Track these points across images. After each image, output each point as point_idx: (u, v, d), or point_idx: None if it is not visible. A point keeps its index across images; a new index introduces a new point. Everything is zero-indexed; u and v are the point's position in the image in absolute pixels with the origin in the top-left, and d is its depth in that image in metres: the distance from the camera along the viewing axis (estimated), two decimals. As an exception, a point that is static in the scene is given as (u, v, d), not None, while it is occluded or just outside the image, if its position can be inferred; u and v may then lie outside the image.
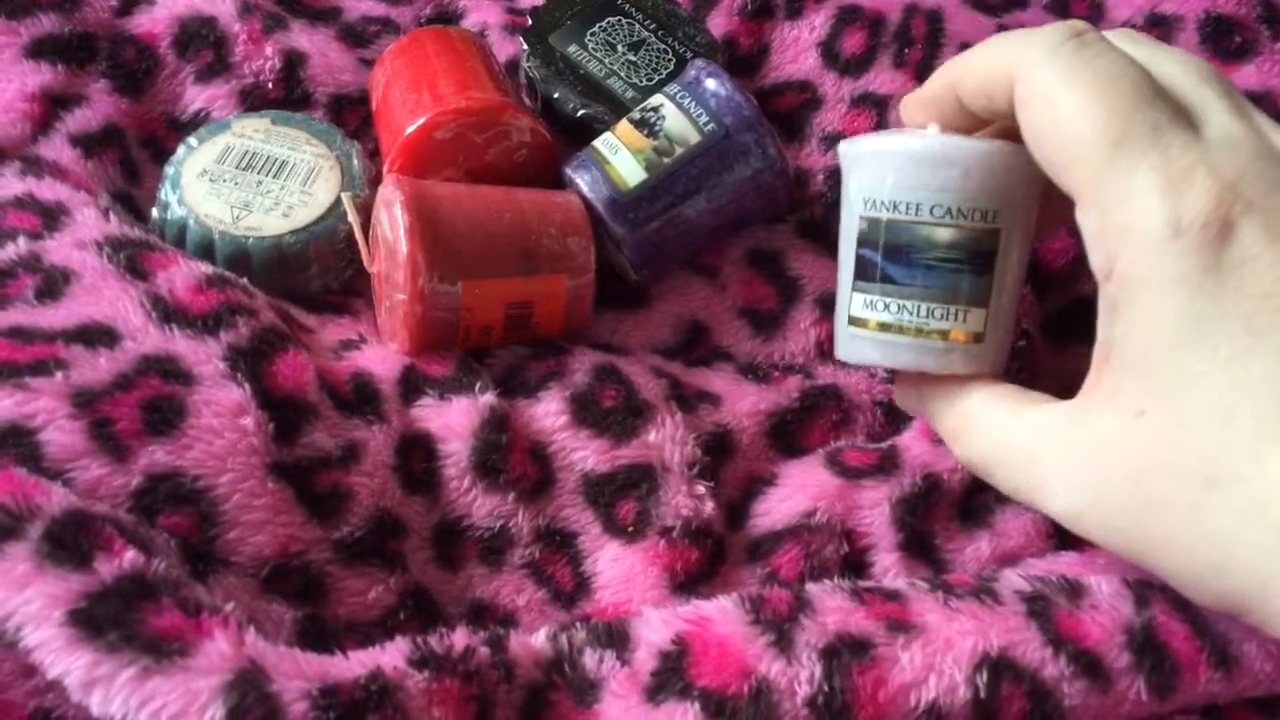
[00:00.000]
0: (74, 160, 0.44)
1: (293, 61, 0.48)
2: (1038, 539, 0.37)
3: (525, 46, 0.48)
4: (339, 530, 0.35)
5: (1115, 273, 0.29)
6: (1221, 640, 0.31)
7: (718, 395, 0.41)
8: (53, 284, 0.36)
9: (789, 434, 0.41)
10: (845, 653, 0.30)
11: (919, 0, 0.50)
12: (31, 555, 0.27)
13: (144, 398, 0.33)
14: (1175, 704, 0.31)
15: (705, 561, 0.37)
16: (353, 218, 0.42)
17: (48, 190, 0.41)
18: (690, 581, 0.36)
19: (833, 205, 0.46)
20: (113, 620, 0.26)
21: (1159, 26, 0.51)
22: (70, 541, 0.28)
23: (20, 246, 0.38)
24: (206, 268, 0.39)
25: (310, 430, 0.35)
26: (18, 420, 0.31)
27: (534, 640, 0.31)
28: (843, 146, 0.35)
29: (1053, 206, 0.33)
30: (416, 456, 0.37)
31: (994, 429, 0.32)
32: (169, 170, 0.43)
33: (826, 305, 0.44)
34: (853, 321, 0.34)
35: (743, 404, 0.40)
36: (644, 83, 0.47)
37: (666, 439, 0.38)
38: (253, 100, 0.48)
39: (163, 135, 0.47)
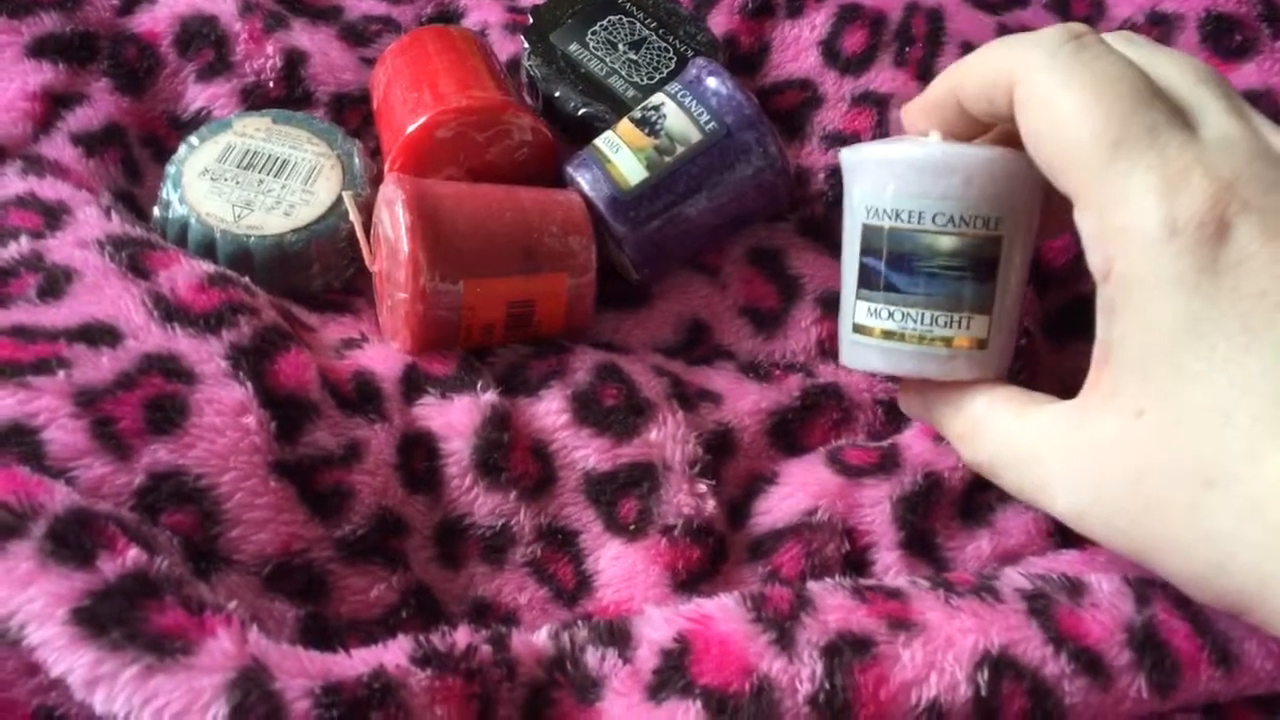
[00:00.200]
0: (75, 159, 0.44)
1: (294, 60, 0.48)
2: (1038, 537, 0.37)
3: (526, 45, 0.48)
4: (341, 529, 0.35)
5: (1113, 274, 0.29)
6: (1222, 638, 0.31)
7: (719, 394, 0.41)
8: (55, 283, 0.36)
9: (790, 432, 0.41)
10: (846, 651, 0.30)
11: (920, -1, 0.51)
12: (34, 554, 0.27)
13: (146, 396, 0.33)
14: (1176, 702, 0.31)
15: (707, 560, 0.37)
16: (354, 216, 0.42)
17: (49, 189, 0.41)
18: (692, 580, 0.36)
19: (833, 204, 0.46)
20: (116, 618, 0.26)
21: (1159, 25, 0.51)
22: (73, 540, 0.28)
23: (22, 245, 0.38)
24: (208, 266, 0.39)
25: (312, 429, 0.35)
26: (20, 419, 0.31)
27: (536, 638, 0.31)
28: (844, 154, 0.35)
29: (1054, 210, 0.33)
30: (418, 455, 0.37)
31: (999, 431, 0.33)
32: (170, 169, 0.43)
33: (827, 304, 0.44)
34: (857, 329, 0.34)
35: (744, 403, 0.40)
36: (645, 81, 0.47)
37: (668, 437, 0.38)
38: (254, 99, 0.48)
39: (164, 134, 0.47)
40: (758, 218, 0.45)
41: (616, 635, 0.31)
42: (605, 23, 0.48)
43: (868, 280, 0.34)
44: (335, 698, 0.27)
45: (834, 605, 0.32)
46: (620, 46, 0.48)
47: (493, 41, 0.51)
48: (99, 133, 0.45)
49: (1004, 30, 0.52)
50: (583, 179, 0.42)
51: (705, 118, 0.42)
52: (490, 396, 0.38)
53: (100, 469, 0.32)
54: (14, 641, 0.26)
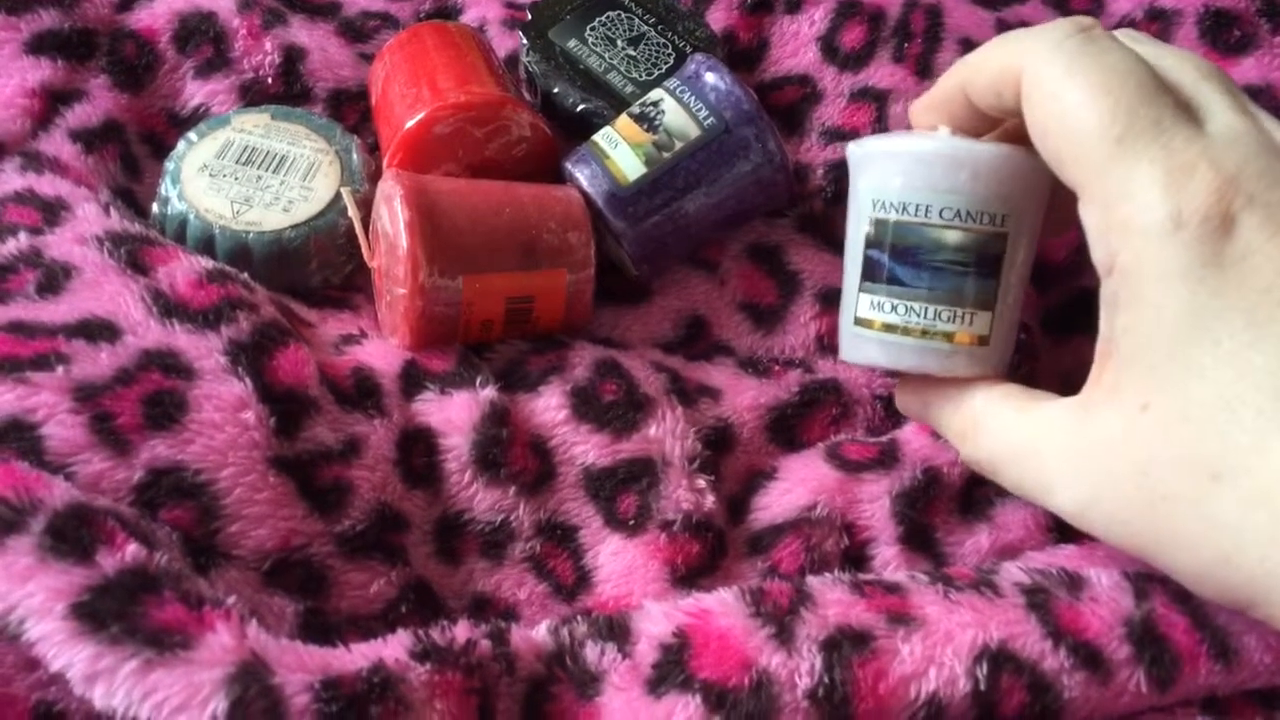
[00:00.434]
0: (74, 156, 0.44)
1: (292, 56, 0.48)
2: (1037, 532, 0.37)
3: (525, 41, 0.48)
4: (340, 524, 0.35)
5: (1117, 267, 0.29)
6: (1221, 632, 0.31)
7: (718, 389, 0.41)
8: (53, 279, 0.36)
9: (789, 428, 0.41)
10: (846, 645, 0.30)
11: (919, -6, 0.51)
12: (34, 549, 0.27)
13: (145, 392, 0.33)
14: (1175, 696, 0.31)
15: (706, 555, 0.37)
16: (353, 213, 0.42)
17: (48, 186, 0.41)
18: (691, 575, 0.36)
19: (832, 200, 0.46)
20: (115, 613, 0.26)
21: (1158, 20, 0.51)
22: (72, 535, 0.28)
23: (21, 242, 0.38)
24: (207, 262, 0.39)
25: (311, 424, 0.35)
26: (19, 415, 0.31)
27: (535, 633, 0.31)
28: (851, 147, 0.35)
29: (1059, 210, 0.33)
30: (417, 451, 0.37)
31: (1000, 429, 0.33)
32: (169, 165, 0.43)
33: (826, 299, 0.44)
34: (858, 322, 0.34)
35: (743, 398, 0.40)
36: (643, 77, 0.47)
37: (667, 433, 0.38)
38: (252, 95, 0.48)
39: (163, 131, 0.47)
40: (757, 213, 0.45)
41: (616, 630, 0.31)
42: (604, 18, 0.48)
43: (871, 273, 0.34)
44: (334, 692, 0.27)
45: (833, 600, 0.32)
46: (619, 42, 0.48)
47: (491, 37, 0.51)
48: (98, 129, 0.45)
49: (1003, 25, 0.52)
50: (581, 175, 0.42)
51: (704, 113, 0.42)
52: (489, 392, 0.38)
53: (99, 464, 0.32)
54: (13, 637, 0.26)
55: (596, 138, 0.43)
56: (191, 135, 0.44)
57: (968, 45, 0.50)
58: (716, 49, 0.48)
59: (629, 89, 0.46)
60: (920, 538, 0.37)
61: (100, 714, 0.26)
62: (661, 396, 0.39)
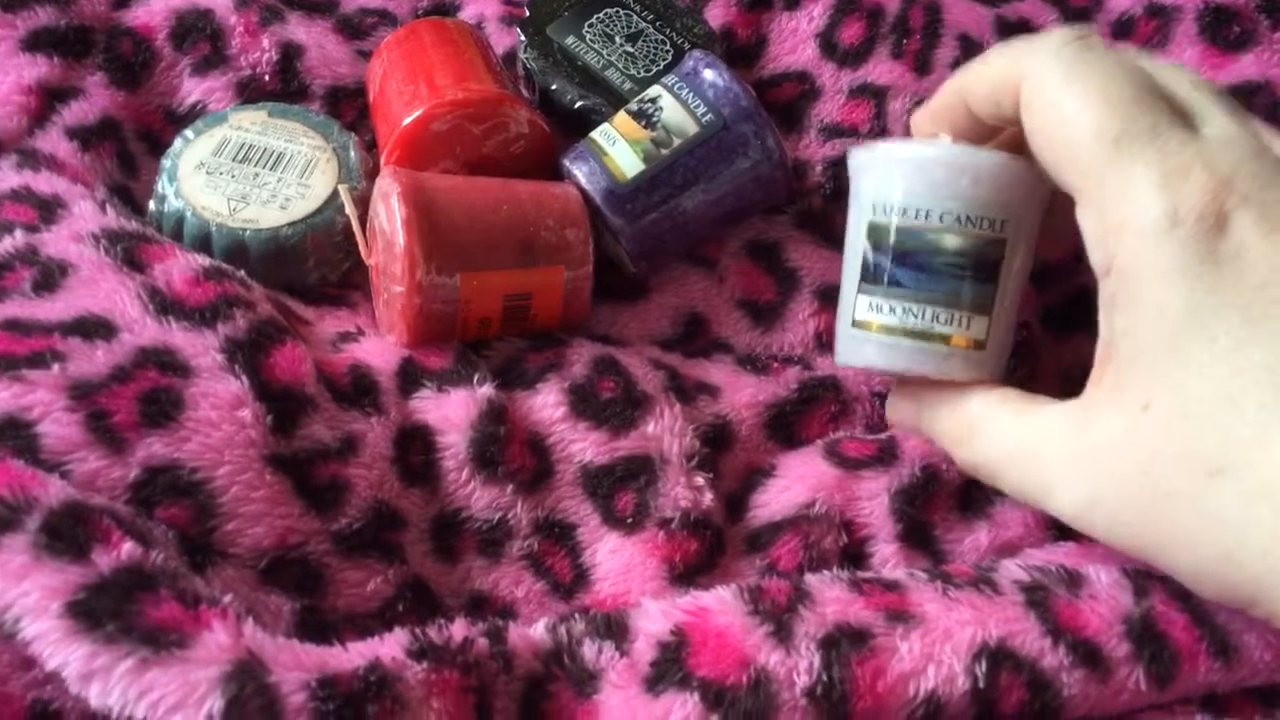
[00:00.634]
0: (71, 153, 0.44)
1: (290, 54, 0.48)
2: (1036, 529, 0.37)
3: (523, 38, 0.48)
4: (337, 522, 0.35)
5: (1114, 268, 0.29)
6: (1221, 630, 0.31)
7: (716, 387, 0.40)
8: (50, 277, 0.36)
9: (788, 425, 0.41)
10: (844, 643, 0.30)
11: (917, -9, 0.50)
12: (29, 547, 0.27)
13: (141, 390, 0.33)
14: (1174, 693, 0.31)
15: (704, 553, 0.37)
16: (350, 210, 0.42)
17: (44, 183, 0.41)
18: (689, 573, 0.36)
19: (831, 197, 0.46)
20: (111, 612, 0.26)
21: (1158, 16, 0.50)
22: (68, 533, 0.28)
23: (17, 239, 0.38)
24: (204, 260, 0.39)
25: (308, 422, 0.35)
26: (15, 412, 0.31)
27: (533, 632, 0.31)
28: (854, 152, 0.36)
29: (1059, 220, 0.33)
30: (415, 448, 0.37)
31: (997, 432, 0.33)
32: (166, 163, 0.43)
33: (825, 297, 0.44)
34: (856, 324, 0.35)
35: (741, 395, 0.40)
36: (642, 74, 0.47)
37: (665, 430, 0.38)
38: (250, 93, 0.48)
39: (160, 128, 0.47)
40: (755, 210, 0.45)
41: (614, 628, 0.31)
42: (602, 15, 0.48)
43: (871, 276, 0.34)
44: (331, 691, 0.27)
45: (832, 597, 0.32)
46: (617, 39, 0.48)
47: (489, 34, 0.51)
48: (94, 127, 0.45)
49: (1002, 22, 0.51)
50: (579, 172, 0.42)
51: (702, 110, 0.42)
52: (487, 390, 0.37)
53: (95, 462, 0.32)
54: (9, 635, 0.26)
55: (594, 135, 0.43)
56: (188, 132, 0.44)
57: (966, 41, 0.50)
58: (715, 46, 0.48)
59: (627, 86, 0.46)
60: (919, 535, 0.37)
61: (96, 713, 0.26)
62: (660, 394, 0.39)
